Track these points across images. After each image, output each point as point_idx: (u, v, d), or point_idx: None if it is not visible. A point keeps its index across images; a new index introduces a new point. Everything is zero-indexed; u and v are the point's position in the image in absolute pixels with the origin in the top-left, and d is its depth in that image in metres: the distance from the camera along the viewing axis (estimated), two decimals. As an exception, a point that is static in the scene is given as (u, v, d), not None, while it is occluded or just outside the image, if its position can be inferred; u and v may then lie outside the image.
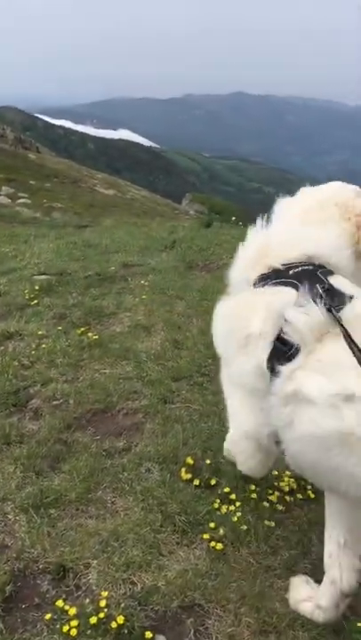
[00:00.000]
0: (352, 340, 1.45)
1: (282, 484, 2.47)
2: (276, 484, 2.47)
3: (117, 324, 4.01)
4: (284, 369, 1.54)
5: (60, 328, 3.86)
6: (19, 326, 3.93)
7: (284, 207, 1.98)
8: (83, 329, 3.84)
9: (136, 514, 2.28)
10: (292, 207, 1.97)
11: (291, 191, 2.05)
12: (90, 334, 3.74)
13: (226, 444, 2.26)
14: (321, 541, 1.87)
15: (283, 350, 1.57)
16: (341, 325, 1.50)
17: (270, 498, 2.39)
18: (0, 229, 13.63)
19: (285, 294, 1.65)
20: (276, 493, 2.42)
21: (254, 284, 1.75)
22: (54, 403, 3.03)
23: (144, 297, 4.52)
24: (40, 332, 3.79)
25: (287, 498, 2.42)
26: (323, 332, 1.54)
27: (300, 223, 1.90)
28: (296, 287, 1.64)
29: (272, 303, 1.65)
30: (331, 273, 1.72)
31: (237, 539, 2.18)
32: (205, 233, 9.50)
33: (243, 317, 1.70)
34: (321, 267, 1.74)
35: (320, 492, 1.97)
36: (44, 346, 3.59)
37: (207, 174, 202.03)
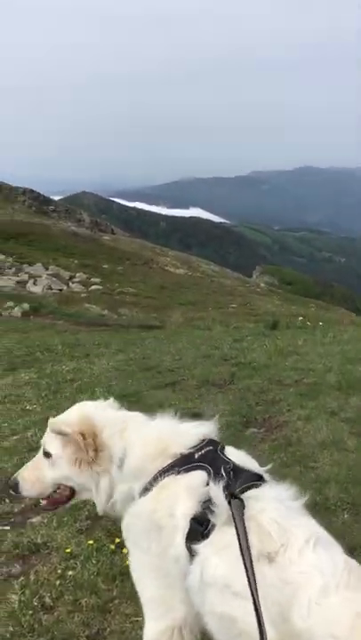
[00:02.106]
0: (239, 531, 1.57)
1: None
2: None
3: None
4: (199, 547, 1.67)
5: (91, 542, 3.41)
6: (48, 534, 3.52)
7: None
8: (118, 540, 3.38)
9: None
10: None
11: None
12: (124, 550, 3.27)
13: None
14: None
15: (199, 530, 1.70)
16: (233, 519, 1.61)
17: None
18: (65, 336, 13.79)
19: (199, 477, 1.82)
20: None
21: (161, 474, 1.88)
22: None
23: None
24: (68, 550, 3.35)
25: None
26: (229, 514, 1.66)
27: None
28: (205, 469, 1.84)
29: (191, 485, 1.80)
30: (223, 447, 1.95)
31: None
32: (268, 348, 9.04)
33: (164, 505, 1.81)
34: (216, 442, 1.97)
35: None
36: (70, 572, 3.14)
37: (278, 246, 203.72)
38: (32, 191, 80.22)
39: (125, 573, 3.04)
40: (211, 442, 1.96)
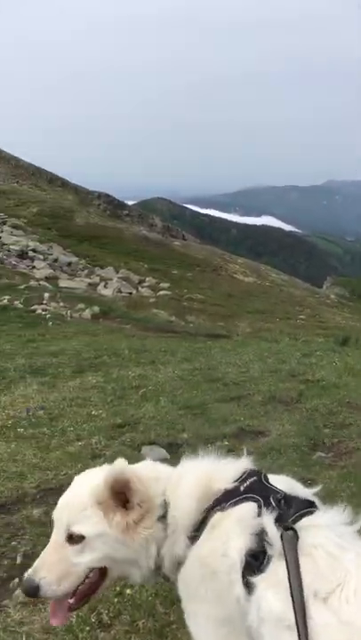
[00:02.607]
0: (290, 567, 1.52)
1: None
2: None
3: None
4: (256, 582, 1.58)
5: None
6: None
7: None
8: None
9: None
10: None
11: None
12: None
13: None
14: None
15: (255, 564, 1.61)
16: (285, 554, 1.55)
17: None
18: (132, 340, 13.93)
19: (249, 509, 1.71)
20: None
21: (208, 513, 1.78)
22: None
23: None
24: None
25: None
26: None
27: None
28: (254, 500, 1.73)
29: (241, 518, 1.70)
30: (266, 475, 1.85)
31: None
32: (338, 366, 8.78)
33: (216, 545, 1.70)
34: (258, 472, 1.87)
35: None
36: (128, 591, 3.11)
37: (349, 257, 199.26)
38: (107, 195, 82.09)
39: (184, 598, 2.99)
40: (253, 472, 1.86)
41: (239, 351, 11.51)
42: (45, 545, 3.56)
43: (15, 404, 7.37)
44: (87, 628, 2.87)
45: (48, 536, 3.64)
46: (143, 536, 1.84)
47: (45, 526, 3.89)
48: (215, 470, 1.90)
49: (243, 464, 1.91)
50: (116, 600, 3.07)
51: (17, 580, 3.41)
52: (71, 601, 1.92)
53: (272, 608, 1.54)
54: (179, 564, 1.85)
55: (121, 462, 1.89)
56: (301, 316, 28.97)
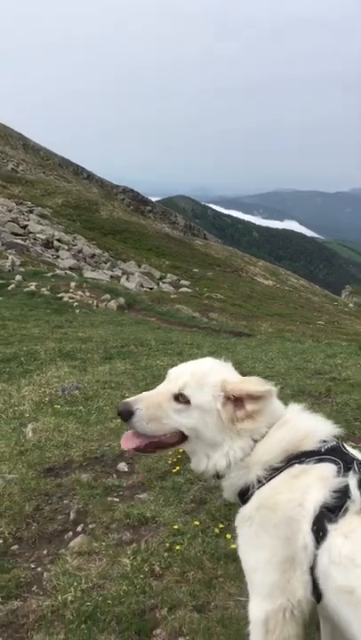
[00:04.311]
0: None
1: None
2: None
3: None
4: (328, 531, 1.78)
5: (197, 523, 3.63)
6: (156, 510, 3.78)
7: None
8: (222, 525, 3.59)
9: None
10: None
11: None
12: (228, 535, 3.47)
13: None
14: None
15: (329, 516, 1.80)
16: None
17: None
18: (158, 333, 14.19)
19: (330, 468, 1.91)
20: None
21: (292, 463, 1.98)
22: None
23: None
24: (176, 526, 3.59)
25: None
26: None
27: None
28: (335, 462, 1.92)
29: (323, 476, 1.90)
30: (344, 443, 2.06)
31: None
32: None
33: (296, 495, 1.90)
34: (338, 437, 2.07)
35: None
36: (178, 547, 3.37)
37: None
38: (132, 190, 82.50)
39: (230, 556, 3.25)
40: (334, 437, 2.06)
41: (264, 348, 11.73)
42: (96, 506, 3.86)
43: (50, 384, 7.67)
44: (141, 576, 3.14)
45: (98, 497, 3.95)
46: (237, 431, 2.05)
47: (94, 489, 4.18)
48: (309, 428, 2.07)
49: (329, 427, 2.11)
50: (166, 554, 3.33)
51: (71, 532, 3.69)
52: (139, 441, 2.12)
53: (343, 551, 1.74)
54: (241, 491, 2.07)
55: (259, 380, 2.09)
56: (320, 322, 29.03)
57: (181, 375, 2.12)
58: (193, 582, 3.11)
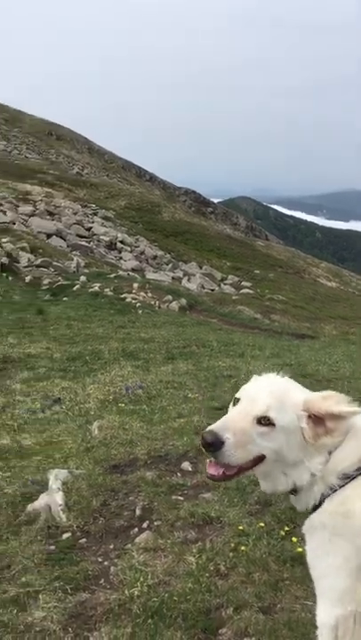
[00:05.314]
0: None
1: None
2: None
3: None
4: None
5: (262, 524, 3.62)
6: (220, 510, 3.79)
7: None
8: (287, 528, 3.56)
9: None
10: None
11: None
12: (294, 539, 3.43)
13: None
14: None
15: None
16: None
17: None
18: (220, 334, 14.20)
19: None
20: None
21: None
22: (245, 640, 2.76)
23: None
24: (240, 527, 3.59)
25: None
26: None
27: None
28: None
29: None
30: None
31: None
32: None
33: None
34: None
35: None
36: (243, 548, 3.37)
37: None
38: (193, 192, 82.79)
39: (296, 560, 3.22)
40: None
41: (328, 351, 11.54)
42: (161, 503, 3.90)
43: (114, 382, 7.81)
44: (206, 575, 3.16)
45: (162, 495, 3.99)
46: (316, 447, 2.00)
47: (159, 487, 4.23)
48: None
49: None
50: (231, 554, 3.34)
51: (137, 529, 3.76)
52: (227, 469, 1.99)
53: None
54: (315, 502, 2.04)
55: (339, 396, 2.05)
56: (386, 326, 28.22)
57: (259, 396, 2.04)
58: (258, 584, 3.10)
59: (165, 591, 3.06)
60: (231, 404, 2.14)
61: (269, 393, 2.03)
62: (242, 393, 2.12)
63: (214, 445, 1.92)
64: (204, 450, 1.98)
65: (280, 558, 3.29)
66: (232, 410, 2.08)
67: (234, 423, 1.97)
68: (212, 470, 2.02)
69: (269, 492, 2.14)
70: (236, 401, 2.11)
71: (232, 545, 3.42)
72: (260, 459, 2.02)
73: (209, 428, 1.97)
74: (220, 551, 3.37)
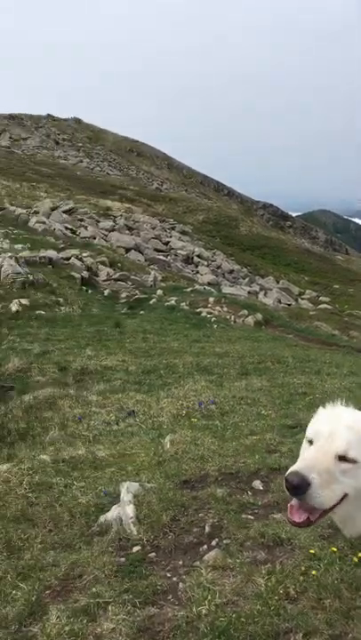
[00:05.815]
0: None
1: None
2: None
3: None
4: None
5: (334, 549, 3.52)
6: (291, 531, 3.71)
7: None
8: (361, 555, 3.44)
9: None
10: None
11: None
12: (367, 567, 3.31)
13: None
14: None
15: None
16: None
17: None
18: (295, 350, 13.97)
19: None
20: None
21: None
22: (314, 669, 2.69)
23: None
24: (312, 551, 3.51)
25: None
26: None
27: None
28: None
29: None
30: None
31: None
32: None
33: None
34: None
35: None
36: (314, 572, 3.28)
37: None
38: (271, 205, 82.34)
39: (370, 588, 3.10)
40: None
41: None
42: (230, 522, 3.88)
43: (188, 397, 7.85)
44: (275, 598, 3.10)
45: (232, 513, 3.96)
46: None
47: (229, 504, 4.20)
48: None
49: None
50: (301, 578, 3.26)
51: (206, 546, 3.75)
52: (312, 514, 1.93)
53: None
54: None
55: None
56: None
57: (338, 432, 1.98)
58: (330, 610, 3.01)
59: (233, 611, 3.03)
60: (305, 442, 2.09)
61: (348, 429, 1.98)
62: (313, 430, 2.07)
63: (301, 488, 1.84)
64: (288, 493, 1.89)
65: (353, 585, 3.18)
66: (309, 449, 2.01)
67: (319, 463, 1.89)
68: (295, 517, 1.94)
69: (355, 535, 2.09)
70: (309, 440, 2.07)
71: (303, 568, 3.34)
72: (341, 499, 1.95)
73: (292, 469, 1.89)
74: (291, 574, 3.30)
